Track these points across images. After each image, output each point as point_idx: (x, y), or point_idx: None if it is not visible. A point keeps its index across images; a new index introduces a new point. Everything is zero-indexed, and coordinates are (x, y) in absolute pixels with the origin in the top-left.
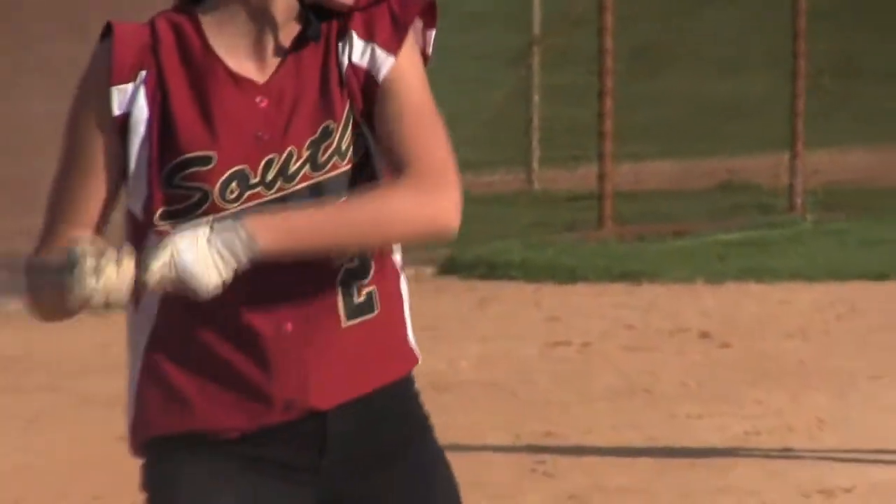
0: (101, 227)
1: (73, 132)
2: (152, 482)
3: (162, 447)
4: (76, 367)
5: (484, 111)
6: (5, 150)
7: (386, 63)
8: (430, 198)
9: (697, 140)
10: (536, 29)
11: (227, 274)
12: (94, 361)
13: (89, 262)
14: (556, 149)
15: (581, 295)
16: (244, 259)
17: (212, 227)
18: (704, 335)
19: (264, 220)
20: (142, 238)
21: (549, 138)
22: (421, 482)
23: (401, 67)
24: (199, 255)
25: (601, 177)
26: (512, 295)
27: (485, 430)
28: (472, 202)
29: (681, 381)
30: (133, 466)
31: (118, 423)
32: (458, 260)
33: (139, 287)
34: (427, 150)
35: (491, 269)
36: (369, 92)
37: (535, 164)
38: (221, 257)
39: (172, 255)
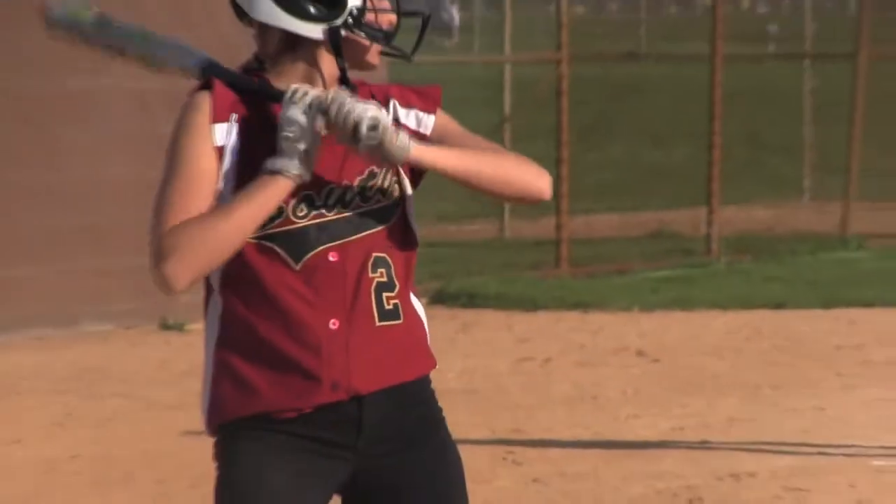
0: None
1: (179, 153)
2: (221, 456)
3: (230, 428)
4: (143, 378)
5: None
6: (87, 204)
7: (429, 120)
8: (537, 172)
9: (635, 197)
10: (507, 110)
11: (401, 157)
12: (157, 374)
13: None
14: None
15: (543, 321)
16: (409, 150)
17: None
18: (640, 353)
19: (421, 144)
20: None
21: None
22: (436, 462)
23: (442, 120)
24: (390, 130)
25: (559, 227)
26: (488, 321)
27: (466, 427)
28: (455, 247)
29: (622, 390)
30: (189, 456)
31: (177, 422)
32: (444, 292)
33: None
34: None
35: (471, 300)
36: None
37: (507, 217)
38: (400, 139)
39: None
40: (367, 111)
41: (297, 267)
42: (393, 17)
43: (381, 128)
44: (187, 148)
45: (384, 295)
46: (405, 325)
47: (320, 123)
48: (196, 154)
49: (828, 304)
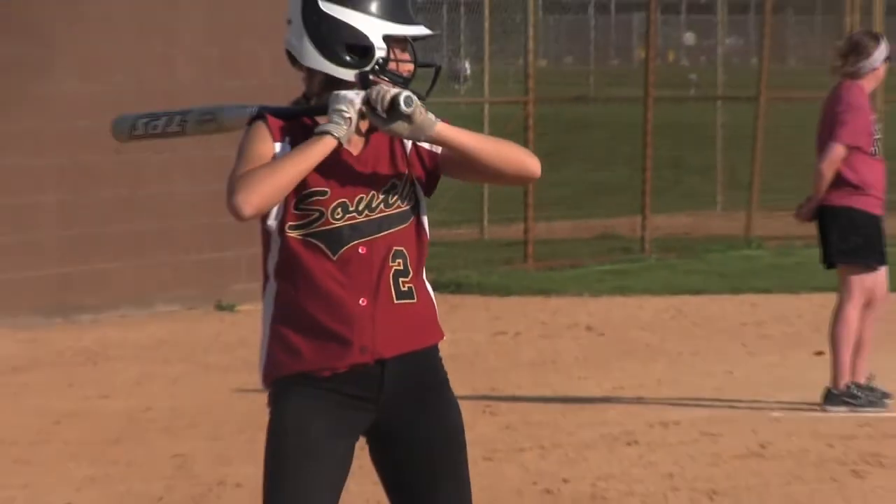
0: None
1: (246, 149)
2: (273, 404)
3: (281, 383)
4: (202, 347)
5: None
6: (160, 213)
7: (437, 147)
8: (529, 155)
9: (585, 208)
10: None
11: (430, 129)
12: (213, 344)
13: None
14: (498, 213)
15: (513, 304)
16: (435, 124)
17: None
18: (589, 328)
19: (444, 123)
20: (269, 242)
21: (495, 207)
22: (441, 415)
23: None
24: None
25: (526, 230)
26: (470, 304)
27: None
28: (445, 246)
29: (574, 356)
30: (238, 408)
31: (229, 381)
32: (436, 282)
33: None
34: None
35: (458, 288)
36: (433, 161)
37: (486, 223)
38: (427, 115)
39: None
40: (403, 91)
41: (335, 258)
42: (411, 67)
43: (414, 101)
44: (252, 148)
45: (400, 279)
46: (418, 304)
47: (361, 104)
48: (258, 149)
49: (735, 290)
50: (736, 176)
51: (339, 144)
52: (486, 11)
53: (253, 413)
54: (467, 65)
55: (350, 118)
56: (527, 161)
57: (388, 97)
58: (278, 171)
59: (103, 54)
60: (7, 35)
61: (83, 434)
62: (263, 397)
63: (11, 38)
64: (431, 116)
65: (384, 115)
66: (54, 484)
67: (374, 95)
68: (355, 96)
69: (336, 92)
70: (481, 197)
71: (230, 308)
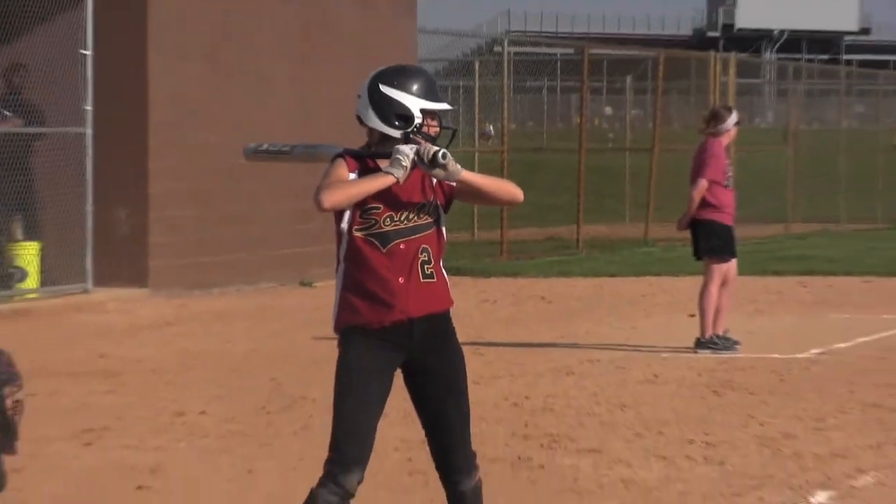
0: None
1: (330, 173)
2: (341, 346)
3: (346, 331)
4: (291, 311)
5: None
6: (264, 223)
7: (454, 182)
8: (516, 188)
9: (541, 221)
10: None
11: (457, 174)
12: (298, 309)
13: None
14: (484, 223)
15: (494, 283)
16: (461, 172)
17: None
18: (542, 298)
19: (466, 171)
20: (341, 239)
21: (481, 219)
22: (451, 357)
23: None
24: (451, 160)
25: (502, 234)
26: (465, 282)
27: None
28: (448, 244)
29: (533, 317)
30: (315, 350)
31: (310, 333)
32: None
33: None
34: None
35: (457, 271)
36: (450, 191)
37: (476, 229)
38: (455, 165)
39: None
40: (441, 149)
41: (384, 250)
42: (437, 129)
43: (448, 157)
44: (335, 172)
45: (426, 266)
46: (437, 283)
47: (414, 155)
48: (339, 173)
49: (637, 274)
50: (638, 199)
51: (396, 181)
52: (476, 95)
53: (324, 352)
54: (491, 129)
55: (406, 166)
56: (516, 193)
57: (431, 152)
58: (352, 186)
59: (224, 118)
60: (162, 104)
61: (213, 366)
62: (332, 343)
63: (165, 106)
64: (458, 167)
65: (428, 164)
66: (193, 399)
67: (421, 150)
68: (409, 150)
69: (398, 146)
70: (473, 212)
71: (309, 284)
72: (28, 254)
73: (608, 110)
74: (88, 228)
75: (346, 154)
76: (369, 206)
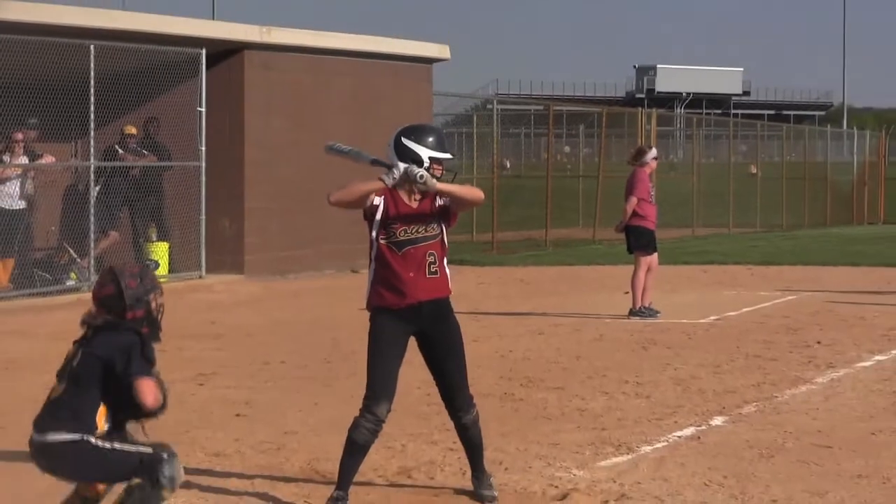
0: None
1: (359, 190)
2: (372, 321)
3: (374, 310)
4: (342, 290)
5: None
6: (324, 222)
7: (447, 201)
8: (480, 193)
9: (521, 226)
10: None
11: (433, 188)
12: (348, 288)
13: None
14: (480, 227)
15: (487, 270)
16: (435, 185)
17: (427, 173)
18: (521, 280)
19: (440, 183)
20: (371, 244)
21: (478, 224)
22: (452, 328)
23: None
24: (427, 175)
25: (493, 236)
26: (466, 270)
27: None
28: (453, 243)
29: (514, 294)
30: (359, 318)
31: (354, 305)
32: (450, 259)
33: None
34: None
35: (460, 262)
36: (446, 207)
37: (474, 231)
38: (432, 181)
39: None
40: (421, 171)
41: (400, 253)
42: (440, 170)
43: (425, 176)
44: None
45: (431, 266)
46: (440, 278)
47: (402, 174)
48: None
49: (588, 264)
50: (588, 211)
51: (385, 186)
52: (474, 139)
53: (367, 320)
54: (507, 163)
55: (395, 177)
56: (478, 194)
57: (415, 172)
58: (352, 187)
59: (298, 157)
60: (254, 146)
61: (290, 330)
62: (367, 315)
63: (256, 148)
64: (434, 182)
65: (412, 179)
66: (276, 352)
67: (408, 170)
68: (401, 167)
69: (398, 163)
70: (472, 220)
71: (356, 271)
72: (160, 250)
73: (567, 149)
74: (202, 233)
75: (373, 163)
76: (390, 221)
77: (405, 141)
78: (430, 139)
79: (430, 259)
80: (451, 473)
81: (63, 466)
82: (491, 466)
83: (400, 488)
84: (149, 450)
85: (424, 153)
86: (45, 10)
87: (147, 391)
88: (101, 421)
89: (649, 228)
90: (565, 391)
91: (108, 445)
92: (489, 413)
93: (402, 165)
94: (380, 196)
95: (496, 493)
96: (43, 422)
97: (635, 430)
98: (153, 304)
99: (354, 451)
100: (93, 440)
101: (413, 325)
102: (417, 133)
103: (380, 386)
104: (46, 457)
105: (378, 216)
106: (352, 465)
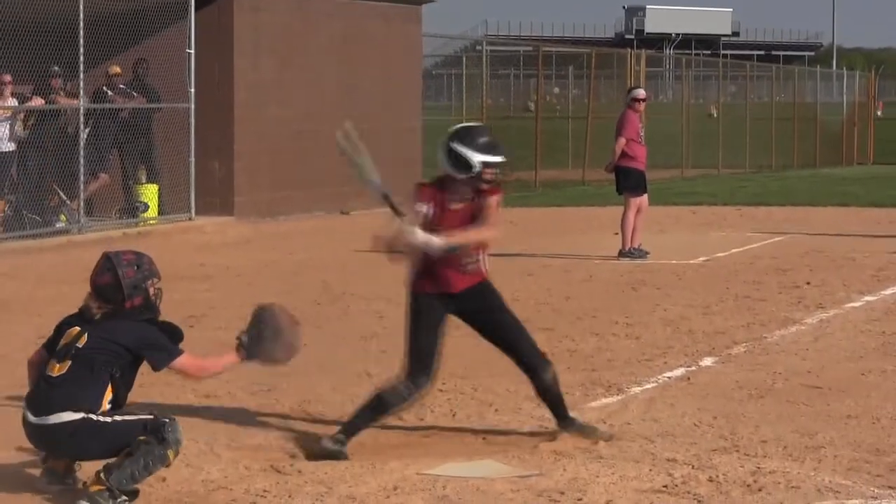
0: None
1: (415, 198)
2: (415, 300)
3: (417, 294)
4: (331, 232)
5: None
6: (329, 175)
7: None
8: (494, 233)
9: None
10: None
11: (435, 253)
12: (337, 230)
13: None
14: None
15: None
16: (439, 244)
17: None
18: (511, 222)
19: (442, 237)
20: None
21: None
22: (489, 295)
23: (488, 200)
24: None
25: None
26: None
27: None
28: None
29: (504, 235)
30: (355, 258)
31: (349, 246)
32: None
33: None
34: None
35: None
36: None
37: None
38: (430, 241)
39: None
40: (423, 235)
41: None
42: (492, 174)
43: (428, 241)
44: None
45: (469, 265)
46: (476, 269)
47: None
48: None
49: (577, 205)
50: (577, 152)
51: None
52: (464, 80)
53: (358, 262)
54: (531, 104)
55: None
56: (490, 235)
57: (414, 235)
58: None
59: (287, 98)
60: (243, 88)
61: (280, 271)
62: (365, 254)
63: (245, 89)
64: (435, 242)
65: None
66: (265, 294)
67: (400, 224)
68: (413, 230)
69: (411, 228)
70: None
71: (346, 213)
72: (149, 192)
73: (556, 90)
74: (192, 174)
75: (383, 194)
76: (435, 224)
77: (454, 146)
78: (481, 141)
79: (469, 259)
80: (441, 414)
81: (66, 446)
82: (481, 408)
83: (390, 430)
84: (150, 416)
85: (474, 157)
86: None
87: (190, 370)
88: (104, 401)
89: (639, 169)
90: (555, 332)
91: (108, 419)
92: (478, 355)
93: (408, 229)
94: (427, 203)
95: (596, 426)
96: (42, 403)
97: (625, 371)
98: (151, 290)
99: (379, 410)
100: (94, 417)
101: (449, 307)
102: (467, 137)
103: (422, 360)
104: (47, 438)
105: (424, 220)
106: (368, 420)
